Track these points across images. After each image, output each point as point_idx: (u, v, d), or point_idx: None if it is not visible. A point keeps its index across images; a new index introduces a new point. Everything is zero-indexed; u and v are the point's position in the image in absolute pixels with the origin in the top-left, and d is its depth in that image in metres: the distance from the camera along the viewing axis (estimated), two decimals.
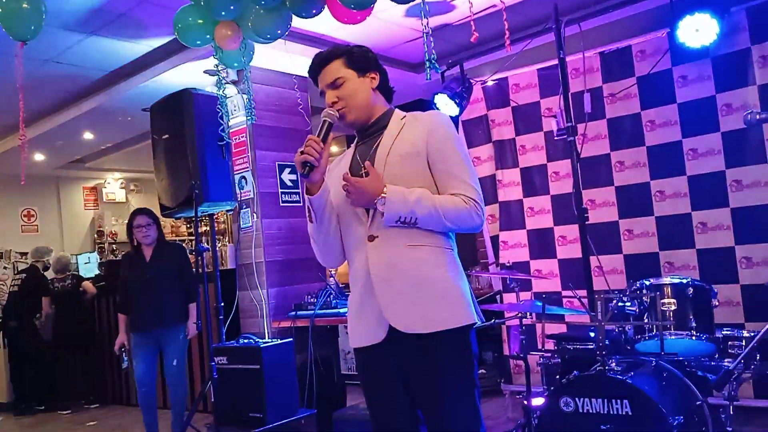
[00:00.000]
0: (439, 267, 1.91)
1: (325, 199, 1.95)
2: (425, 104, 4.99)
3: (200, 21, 3.48)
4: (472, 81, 4.59)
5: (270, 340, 4.04)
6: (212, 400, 3.56)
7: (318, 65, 2.02)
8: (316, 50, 2.08)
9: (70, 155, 7.88)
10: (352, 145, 2.12)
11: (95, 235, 9.27)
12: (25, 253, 7.64)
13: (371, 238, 1.92)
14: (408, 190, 1.88)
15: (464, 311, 1.90)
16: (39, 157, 7.54)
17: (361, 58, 2.02)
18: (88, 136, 6.83)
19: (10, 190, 8.20)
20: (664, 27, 3.99)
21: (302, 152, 1.87)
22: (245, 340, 4.01)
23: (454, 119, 4.49)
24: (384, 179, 1.90)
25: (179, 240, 8.44)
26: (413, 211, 1.86)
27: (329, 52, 2.02)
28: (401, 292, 1.88)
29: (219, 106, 3.76)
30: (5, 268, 7.44)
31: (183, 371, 4.49)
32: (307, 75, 2.11)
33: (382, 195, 1.85)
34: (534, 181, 4.74)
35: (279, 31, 3.49)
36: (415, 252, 1.90)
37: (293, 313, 4.30)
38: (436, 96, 4.43)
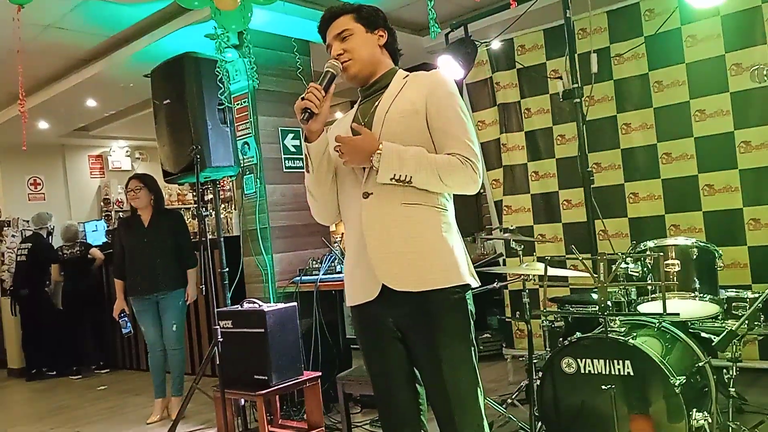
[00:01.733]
0: (433, 226, 1.90)
1: (323, 148, 1.94)
2: (430, 68, 4.90)
3: None
4: (476, 43, 4.51)
5: (274, 305, 4.06)
6: (218, 363, 3.59)
7: (328, 19, 2.03)
8: (318, 12, 2.07)
9: (74, 123, 7.85)
10: (356, 105, 2.11)
11: (102, 203, 9.31)
12: None
13: (366, 195, 1.91)
14: (404, 147, 1.86)
15: (456, 271, 1.89)
16: (43, 125, 7.52)
17: (370, 15, 2.04)
18: (91, 103, 6.79)
19: (17, 159, 8.21)
20: None
21: (303, 98, 1.87)
22: (250, 305, 4.03)
23: (458, 82, 4.42)
24: (382, 137, 1.88)
25: (185, 208, 8.48)
26: (408, 168, 1.84)
27: (339, 7, 2.04)
28: (393, 250, 1.87)
29: (218, 70, 3.70)
30: (13, 236, 7.50)
31: (181, 336, 4.56)
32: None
33: (378, 151, 1.84)
34: (539, 144, 4.69)
35: None
36: (409, 210, 1.88)
37: (298, 278, 4.32)
38: (440, 58, 4.35)
